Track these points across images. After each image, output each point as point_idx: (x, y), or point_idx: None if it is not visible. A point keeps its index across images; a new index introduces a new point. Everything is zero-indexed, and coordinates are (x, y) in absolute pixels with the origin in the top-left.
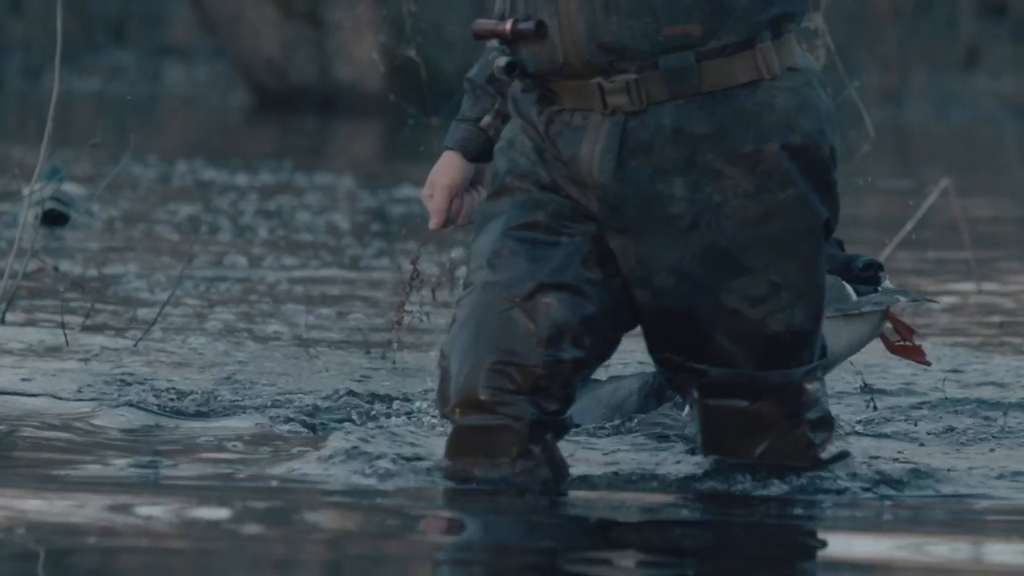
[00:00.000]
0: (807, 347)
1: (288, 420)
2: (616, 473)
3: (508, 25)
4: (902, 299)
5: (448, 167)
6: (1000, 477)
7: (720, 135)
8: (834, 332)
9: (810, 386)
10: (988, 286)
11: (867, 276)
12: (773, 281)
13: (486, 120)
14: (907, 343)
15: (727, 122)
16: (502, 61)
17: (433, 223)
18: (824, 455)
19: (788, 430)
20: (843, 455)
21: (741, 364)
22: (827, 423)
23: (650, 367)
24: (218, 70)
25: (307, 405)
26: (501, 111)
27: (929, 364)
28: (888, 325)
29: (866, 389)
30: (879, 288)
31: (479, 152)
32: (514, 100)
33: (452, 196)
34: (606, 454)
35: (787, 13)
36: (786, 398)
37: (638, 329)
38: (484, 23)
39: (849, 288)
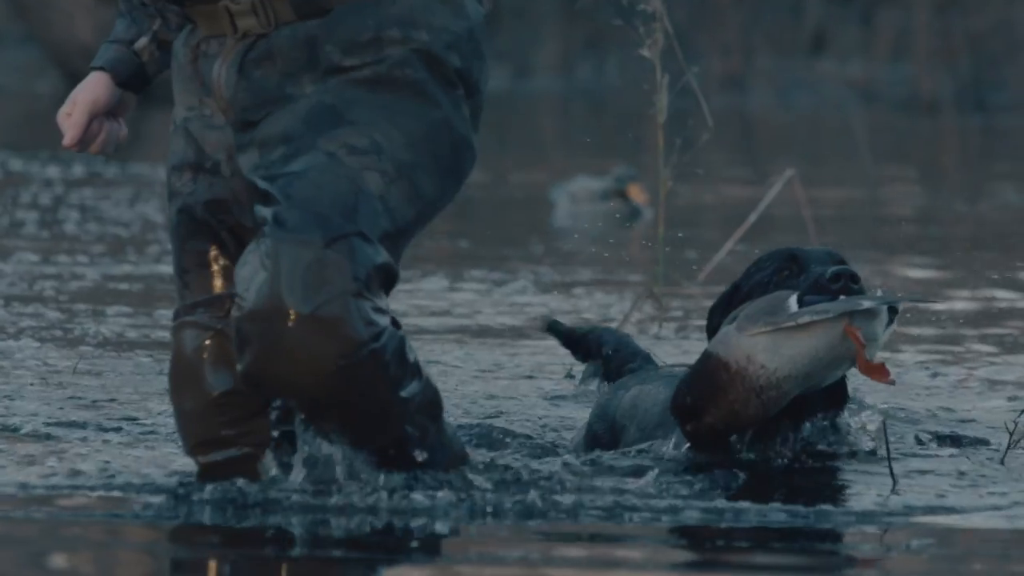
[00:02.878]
0: (394, 240)
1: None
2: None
3: None
4: (866, 304)
5: (94, 85)
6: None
7: (337, 26)
8: (770, 349)
9: (379, 287)
10: None
11: (836, 288)
12: (376, 140)
13: (141, 42)
14: (870, 361)
15: (345, 13)
16: None
17: (67, 139)
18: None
19: (347, 293)
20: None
21: (323, 209)
22: (383, 327)
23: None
24: (29, 56)
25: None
26: (159, 34)
27: (892, 383)
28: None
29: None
30: (841, 298)
31: (128, 77)
32: (174, 59)
33: (93, 115)
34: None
35: None
36: (357, 257)
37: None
38: None
39: (791, 300)
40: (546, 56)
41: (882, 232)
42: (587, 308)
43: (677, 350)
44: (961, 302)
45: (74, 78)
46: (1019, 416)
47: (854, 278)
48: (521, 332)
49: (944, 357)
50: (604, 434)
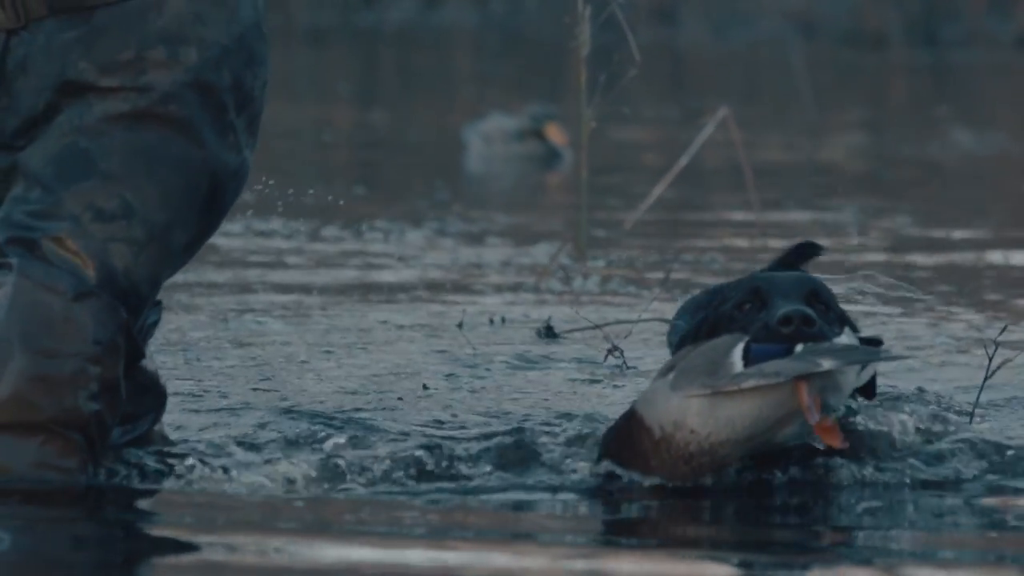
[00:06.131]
0: (137, 309)
1: None
2: None
3: None
4: (826, 364)
5: None
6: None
7: (93, 40)
8: (704, 412)
9: (119, 358)
10: (770, 223)
11: (787, 332)
12: (127, 201)
13: None
14: (821, 423)
15: (103, 24)
16: None
17: None
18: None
19: (82, 356)
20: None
21: (71, 269)
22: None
23: None
24: None
25: None
26: None
27: (843, 447)
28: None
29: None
30: (797, 349)
31: None
32: None
33: None
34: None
35: None
36: (102, 319)
37: None
38: None
39: (735, 355)
40: None
41: (822, 177)
42: (501, 260)
43: (601, 304)
44: (909, 254)
45: None
46: (994, 349)
47: (807, 320)
48: (429, 287)
49: (896, 310)
50: None
